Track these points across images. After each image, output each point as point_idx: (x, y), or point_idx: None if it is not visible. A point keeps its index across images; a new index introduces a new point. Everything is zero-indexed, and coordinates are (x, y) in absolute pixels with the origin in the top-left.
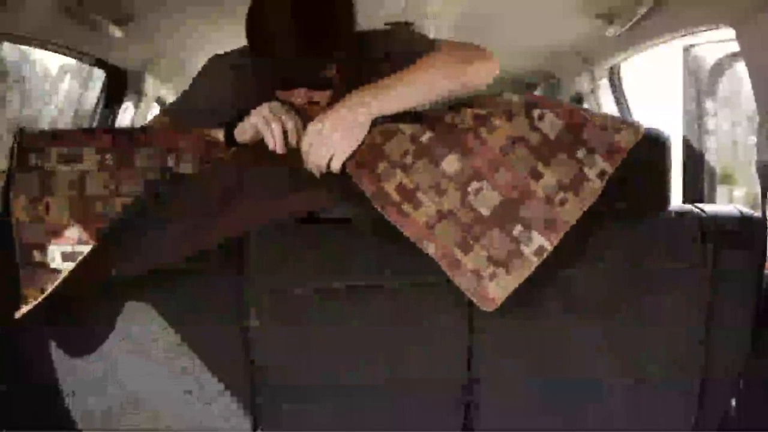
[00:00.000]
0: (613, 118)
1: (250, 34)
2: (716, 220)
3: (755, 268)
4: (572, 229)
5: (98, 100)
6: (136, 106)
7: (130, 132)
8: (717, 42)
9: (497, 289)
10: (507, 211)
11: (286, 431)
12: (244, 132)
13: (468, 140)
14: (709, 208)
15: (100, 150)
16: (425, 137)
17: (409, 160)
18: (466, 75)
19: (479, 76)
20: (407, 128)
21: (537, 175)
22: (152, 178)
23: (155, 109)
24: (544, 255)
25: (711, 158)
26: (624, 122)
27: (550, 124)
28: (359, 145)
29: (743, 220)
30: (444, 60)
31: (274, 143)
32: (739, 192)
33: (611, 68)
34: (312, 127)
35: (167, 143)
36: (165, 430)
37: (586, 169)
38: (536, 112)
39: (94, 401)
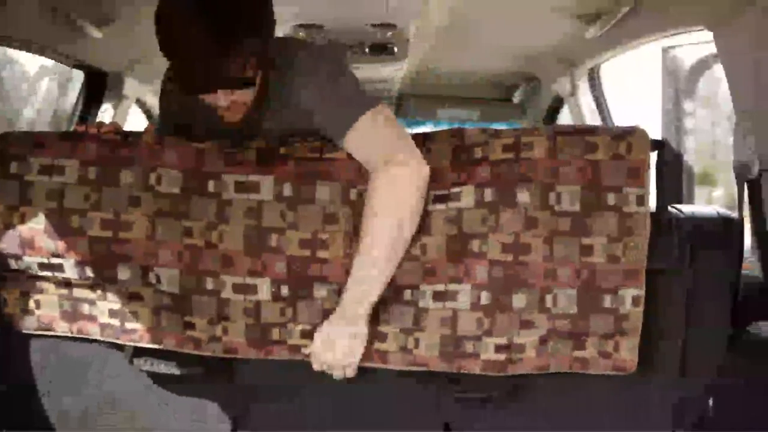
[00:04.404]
0: (616, 132)
1: (159, 38)
2: (694, 221)
3: (732, 268)
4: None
5: (77, 102)
6: (116, 108)
7: (114, 144)
8: (696, 43)
9: (628, 353)
10: (588, 298)
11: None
12: None
13: (527, 272)
14: (686, 208)
15: (83, 163)
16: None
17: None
18: (412, 203)
19: (419, 192)
20: None
21: (587, 251)
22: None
23: (135, 111)
24: (642, 302)
25: (689, 158)
26: (626, 133)
27: (570, 197)
28: None
29: (720, 220)
30: (389, 213)
31: None
32: (718, 193)
33: (591, 69)
34: (317, 347)
35: (151, 158)
36: (141, 431)
37: (625, 208)
38: (552, 197)
39: (71, 401)
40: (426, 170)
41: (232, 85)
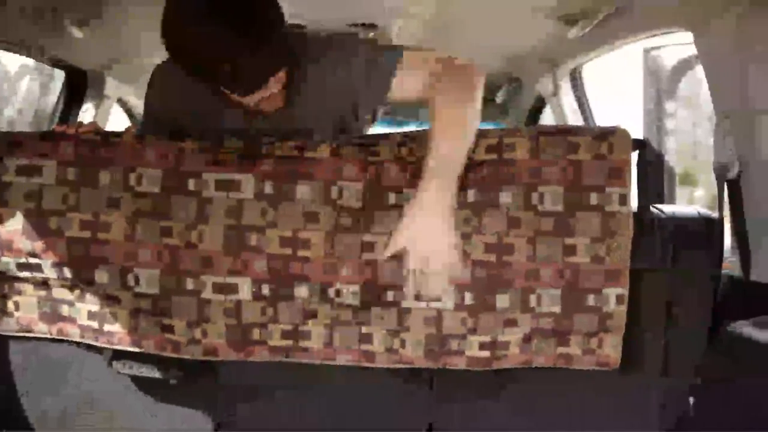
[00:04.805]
0: (597, 132)
1: (187, 63)
2: (675, 220)
3: (713, 267)
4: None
5: (58, 101)
6: (97, 108)
7: (93, 144)
8: (678, 44)
9: (612, 350)
10: (571, 297)
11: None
12: None
13: (511, 272)
14: (668, 208)
15: (61, 163)
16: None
17: None
18: (478, 103)
19: (481, 94)
20: None
21: (570, 251)
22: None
23: (117, 111)
24: (626, 300)
25: (671, 159)
26: (608, 133)
27: (553, 197)
28: None
29: (701, 220)
30: (462, 109)
31: None
32: (699, 193)
33: (573, 70)
34: (409, 240)
35: (131, 158)
36: (121, 431)
37: (607, 208)
38: (535, 197)
39: (50, 402)
40: (484, 73)
41: (281, 65)
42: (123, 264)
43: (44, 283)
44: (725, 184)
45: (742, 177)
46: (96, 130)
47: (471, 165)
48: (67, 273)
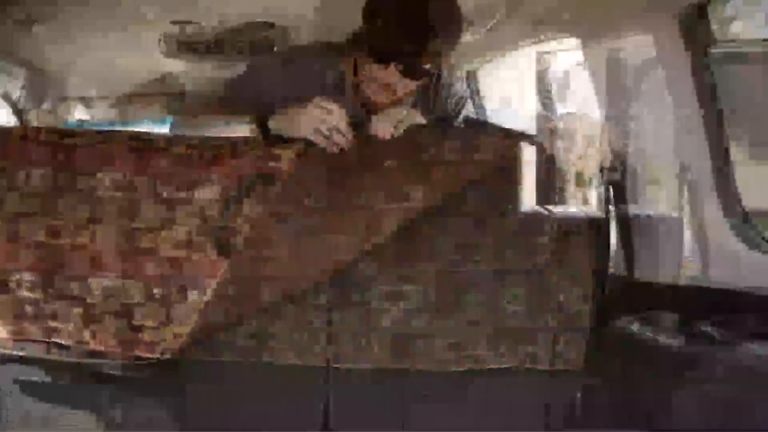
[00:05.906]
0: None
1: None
2: (562, 221)
3: (599, 266)
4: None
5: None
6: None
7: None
8: (567, 50)
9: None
10: (535, 296)
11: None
12: (290, 129)
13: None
14: (555, 209)
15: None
16: None
17: None
18: None
19: None
20: None
21: (533, 251)
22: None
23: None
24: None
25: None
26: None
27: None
28: None
29: (587, 221)
30: None
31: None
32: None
33: (468, 73)
34: None
35: (19, 156)
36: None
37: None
38: (499, 198)
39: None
40: None
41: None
42: (3, 268)
43: None
44: (610, 185)
45: (625, 179)
46: None
47: (437, 164)
48: None
